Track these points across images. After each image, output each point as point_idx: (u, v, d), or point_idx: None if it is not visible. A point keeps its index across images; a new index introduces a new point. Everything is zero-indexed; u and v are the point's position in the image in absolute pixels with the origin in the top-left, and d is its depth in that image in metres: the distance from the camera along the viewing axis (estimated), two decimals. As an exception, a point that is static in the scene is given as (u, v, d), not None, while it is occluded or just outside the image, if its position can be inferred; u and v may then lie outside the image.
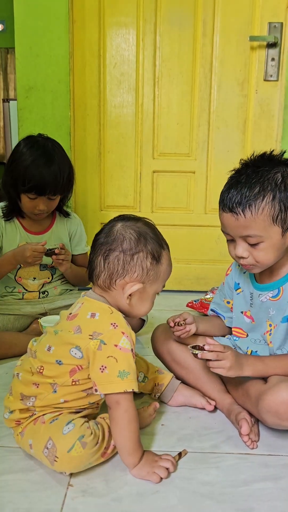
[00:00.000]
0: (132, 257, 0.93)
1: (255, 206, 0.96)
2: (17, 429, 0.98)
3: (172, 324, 1.16)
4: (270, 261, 1.02)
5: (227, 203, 0.99)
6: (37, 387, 0.95)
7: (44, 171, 1.45)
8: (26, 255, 1.45)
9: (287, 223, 0.98)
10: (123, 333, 0.91)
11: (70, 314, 0.97)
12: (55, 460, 0.88)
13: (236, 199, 0.97)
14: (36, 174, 1.45)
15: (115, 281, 0.94)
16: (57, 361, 0.93)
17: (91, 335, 0.90)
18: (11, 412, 0.98)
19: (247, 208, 0.96)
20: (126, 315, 0.99)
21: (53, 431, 0.90)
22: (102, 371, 0.89)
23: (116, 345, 0.89)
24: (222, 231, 1.04)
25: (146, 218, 1.00)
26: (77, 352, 0.91)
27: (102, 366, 0.89)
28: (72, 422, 0.90)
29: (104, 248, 0.95)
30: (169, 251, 1.01)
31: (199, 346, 1.03)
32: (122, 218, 0.98)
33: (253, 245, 1.00)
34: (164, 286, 1.01)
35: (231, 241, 1.04)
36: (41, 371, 0.95)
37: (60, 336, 0.95)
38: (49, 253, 1.53)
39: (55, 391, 0.94)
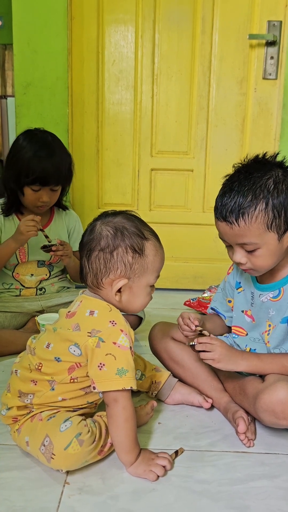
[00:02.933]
0: (111, 254, 0.92)
1: (248, 215, 0.95)
2: (14, 426, 0.97)
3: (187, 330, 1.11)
4: (269, 265, 1.02)
5: (220, 212, 0.98)
6: (35, 384, 0.95)
7: (47, 162, 1.48)
8: (18, 226, 1.46)
9: (283, 228, 0.98)
10: (121, 330, 0.90)
11: (69, 312, 0.97)
12: (52, 458, 0.88)
13: (229, 208, 0.96)
14: (39, 166, 1.47)
15: (101, 280, 0.94)
16: (55, 358, 0.93)
17: (90, 333, 0.90)
18: (9, 409, 0.98)
19: (240, 217, 0.95)
20: (123, 311, 0.98)
21: (50, 428, 0.90)
22: (100, 369, 0.88)
23: (114, 343, 0.89)
24: (220, 237, 1.04)
25: (128, 211, 0.99)
26: (75, 350, 0.91)
27: (101, 363, 0.89)
28: (69, 420, 0.90)
29: (86, 249, 0.95)
30: (156, 240, 0.98)
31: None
32: (102, 215, 0.98)
33: (250, 252, 1.00)
34: (158, 277, 0.98)
35: (229, 246, 1.04)
36: (39, 368, 0.95)
37: (59, 333, 0.95)
38: (47, 249, 1.53)
39: (53, 389, 0.94)
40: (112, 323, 0.91)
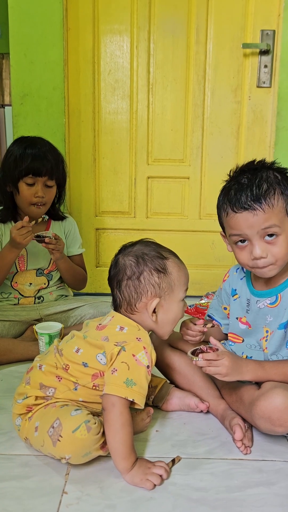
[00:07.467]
0: (139, 279, 1.01)
1: (269, 199, 0.99)
2: (26, 415, 1.00)
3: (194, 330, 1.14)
4: (286, 257, 1.02)
5: (241, 204, 1.00)
6: (60, 380, 1.00)
7: (36, 151, 1.54)
8: (13, 237, 1.45)
9: None
10: (144, 348, 0.97)
11: (100, 324, 1.03)
12: (59, 440, 0.91)
13: (250, 197, 1.00)
14: (30, 156, 1.53)
15: (135, 305, 1.02)
16: (83, 363, 0.99)
17: (117, 343, 0.97)
18: (26, 397, 1.01)
19: (264, 202, 0.99)
20: (157, 333, 1.06)
21: (61, 413, 0.94)
22: (112, 373, 0.94)
23: (133, 355, 0.95)
24: (233, 234, 1.03)
25: (144, 239, 1.07)
26: (102, 358, 0.97)
27: (115, 368, 0.94)
28: (80, 409, 0.95)
29: (115, 281, 1.04)
30: (175, 257, 1.07)
31: (198, 349, 1.04)
32: (122, 249, 1.07)
33: (270, 242, 1.00)
34: (187, 289, 1.07)
35: (241, 246, 1.04)
36: (66, 368, 1.00)
37: (88, 341, 1.01)
38: (40, 240, 1.52)
39: (76, 389, 0.99)
40: (138, 339, 0.98)
